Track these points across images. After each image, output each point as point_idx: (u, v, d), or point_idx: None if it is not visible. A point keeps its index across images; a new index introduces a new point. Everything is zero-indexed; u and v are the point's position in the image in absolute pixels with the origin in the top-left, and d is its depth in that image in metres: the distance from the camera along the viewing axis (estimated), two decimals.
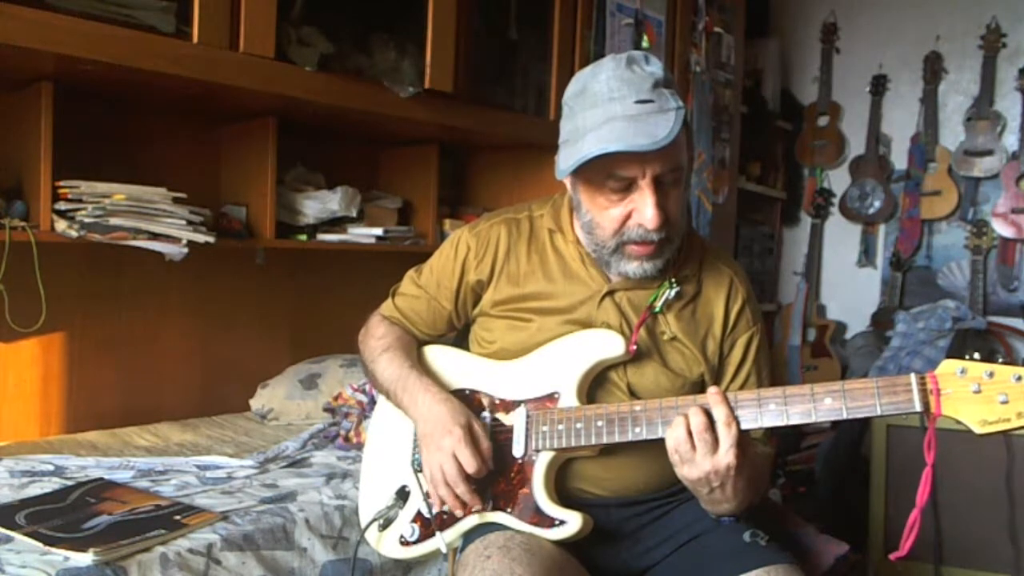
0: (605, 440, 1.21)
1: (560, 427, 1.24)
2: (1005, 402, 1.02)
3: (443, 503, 1.27)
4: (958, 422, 1.05)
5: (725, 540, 1.26)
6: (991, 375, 1.04)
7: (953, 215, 3.57)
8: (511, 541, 1.19)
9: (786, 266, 4.07)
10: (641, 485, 1.32)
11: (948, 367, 1.06)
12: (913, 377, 1.07)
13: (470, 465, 1.22)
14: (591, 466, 1.30)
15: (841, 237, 3.89)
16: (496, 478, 1.28)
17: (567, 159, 1.21)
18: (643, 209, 1.20)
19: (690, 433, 1.12)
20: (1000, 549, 2.28)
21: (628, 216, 1.22)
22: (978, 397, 1.04)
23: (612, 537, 1.31)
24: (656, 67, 1.21)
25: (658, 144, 1.13)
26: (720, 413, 1.12)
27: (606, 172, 1.19)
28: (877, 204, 3.73)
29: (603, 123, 1.17)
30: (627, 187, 1.20)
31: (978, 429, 1.04)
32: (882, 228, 3.80)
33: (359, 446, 1.89)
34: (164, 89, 1.89)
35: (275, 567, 1.42)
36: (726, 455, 1.11)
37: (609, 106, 1.18)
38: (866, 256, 3.83)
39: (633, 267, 1.26)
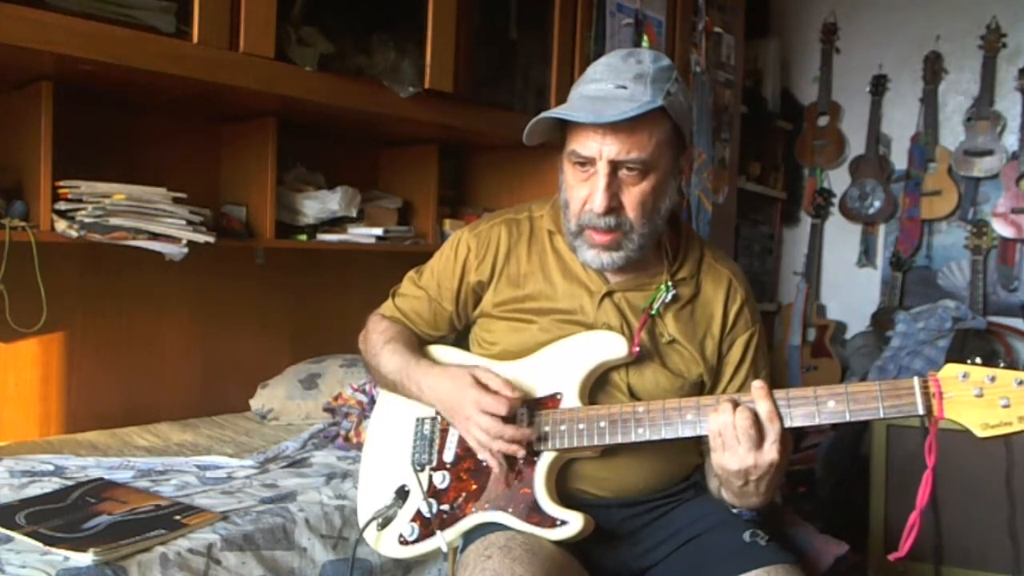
0: (608, 441, 1.22)
1: (562, 428, 1.25)
2: (1007, 406, 1.03)
3: (500, 460, 1.26)
4: (960, 426, 1.06)
5: (725, 540, 1.26)
6: (993, 379, 1.04)
7: (953, 215, 3.57)
8: (512, 541, 1.19)
9: (786, 266, 4.07)
10: (642, 485, 1.32)
11: (950, 371, 1.07)
12: (916, 381, 1.07)
13: (500, 408, 1.23)
14: (592, 466, 1.30)
15: (841, 237, 3.89)
16: (498, 477, 1.28)
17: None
18: (594, 191, 1.22)
19: (735, 424, 1.12)
20: (1000, 549, 2.28)
21: (589, 197, 1.24)
22: (980, 401, 1.04)
23: (613, 537, 1.31)
24: (653, 64, 1.23)
25: (597, 120, 1.17)
26: (764, 408, 1.12)
27: (570, 147, 1.24)
28: (877, 204, 3.73)
29: (575, 99, 1.24)
30: (590, 168, 1.23)
31: (980, 433, 1.05)
32: (882, 228, 3.80)
33: (359, 446, 1.89)
34: (164, 89, 1.89)
35: (275, 567, 1.42)
36: (770, 450, 1.11)
37: (588, 86, 1.24)
38: (866, 256, 3.83)
39: (591, 255, 1.27)
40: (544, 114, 1.23)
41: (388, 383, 1.43)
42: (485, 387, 1.27)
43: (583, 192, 1.25)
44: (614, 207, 1.23)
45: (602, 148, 1.20)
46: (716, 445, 1.14)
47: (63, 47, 1.52)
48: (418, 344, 1.46)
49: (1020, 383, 1.03)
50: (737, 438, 1.12)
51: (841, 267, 3.90)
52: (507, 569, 1.13)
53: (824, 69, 3.88)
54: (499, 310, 1.38)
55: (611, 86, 1.21)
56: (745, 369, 1.35)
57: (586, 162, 1.23)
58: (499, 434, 1.24)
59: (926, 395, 1.07)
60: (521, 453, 1.25)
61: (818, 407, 1.12)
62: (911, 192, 3.63)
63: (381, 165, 2.68)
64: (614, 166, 1.21)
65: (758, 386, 1.14)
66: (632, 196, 1.23)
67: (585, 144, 1.21)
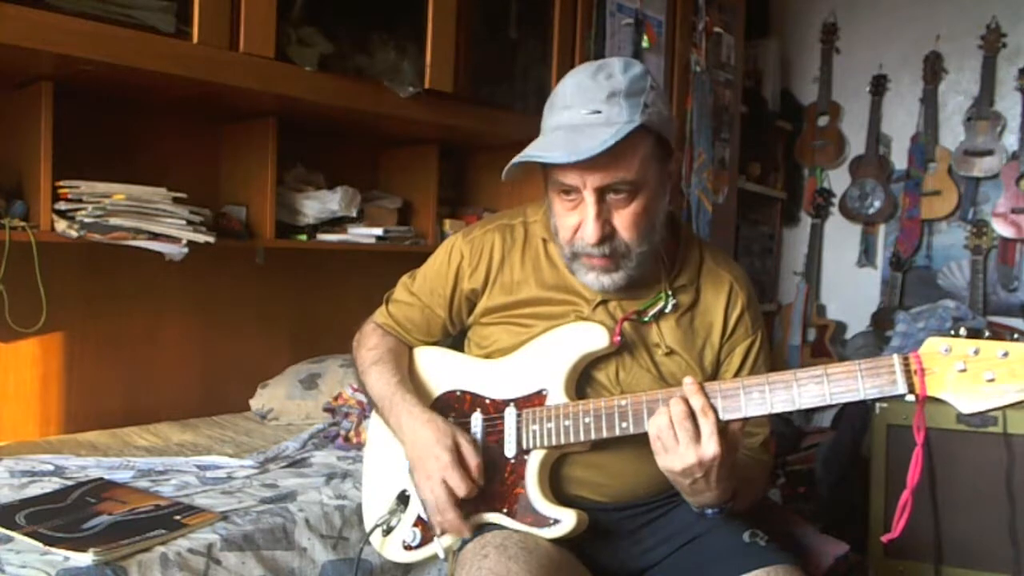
0: (593, 436, 1.21)
1: (549, 425, 1.24)
2: (992, 380, 0.98)
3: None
4: (944, 402, 1.01)
5: (725, 540, 1.26)
6: (976, 352, 0.99)
7: (953, 215, 3.57)
8: (508, 540, 1.19)
9: (786, 266, 4.07)
10: (641, 492, 1.32)
11: (932, 345, 1.02)
12: (896, 358, 1.03)
13: (460, 489, 1.22)
14: (590, 473, 1.29)
15: (841, 237, 3.89)
16: (491, 478, 1.27)
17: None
18: (585, 222, 1.19)
19: (672, 422, 1.11)
20: (1000, 549, 2.28)
21: (580, 226, 1.21)
22: (964, 376, 1.00)
23: (611, 536, 1.31)
24: (625, 77, 1.17)
25: (576, 157, 1.11)
26: (697, 402, 1.10)
27: (552, 177, 1.20)
28: (877, 204, 3.73)
29: (549, 131, 1.20)
30: (576, 196, 1.19)
31: (965, 408, 1.00)
32: (882, 228, 3.80)
33: (359, 446, 1.89)
34: (164, 89, 1.89)
35: (275, 567, 1.42)
36: (708, 443, 1.09)
37: (561, 114, 1.19)
38: (866, 256, 3.83)
39: (591, 278, 1.25)
40: (517, 158, 1.17)
41: (372, 405, 1.42)
42: (460, 458, 1.24)
43: (572, 220, 1.21)
44: (607, 233, 1.19)
45: (585, 178, 1.16)
46: (657, 449, 1.12)
47: (63, 47, 1.52)
48: (407, 367, 1.43)
49: (1005, 355, 0.98)
50: (675, 436, 1.10)
51: (841, 267, 3.90)
52: (503, 567, 1.13)
53: (824, 69, 3.88)
54: (492, 317, 1.36)
55: (584, 112, 1.16)
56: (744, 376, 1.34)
57: (571, 190, 1.19)
58: (444, 511, 1.23)
59: (907, 372, 1.02)
60: (453, 534, 1.26)
61: (798, 390, 1.08)
62: (911, 192, 3.63)
63: (381, 165, 2.68)
64: (601, 192, 1.17)
65: (689, 381, 1.12)
66: (624, 218, 1.20)
67: (567, 175, 1.17)
